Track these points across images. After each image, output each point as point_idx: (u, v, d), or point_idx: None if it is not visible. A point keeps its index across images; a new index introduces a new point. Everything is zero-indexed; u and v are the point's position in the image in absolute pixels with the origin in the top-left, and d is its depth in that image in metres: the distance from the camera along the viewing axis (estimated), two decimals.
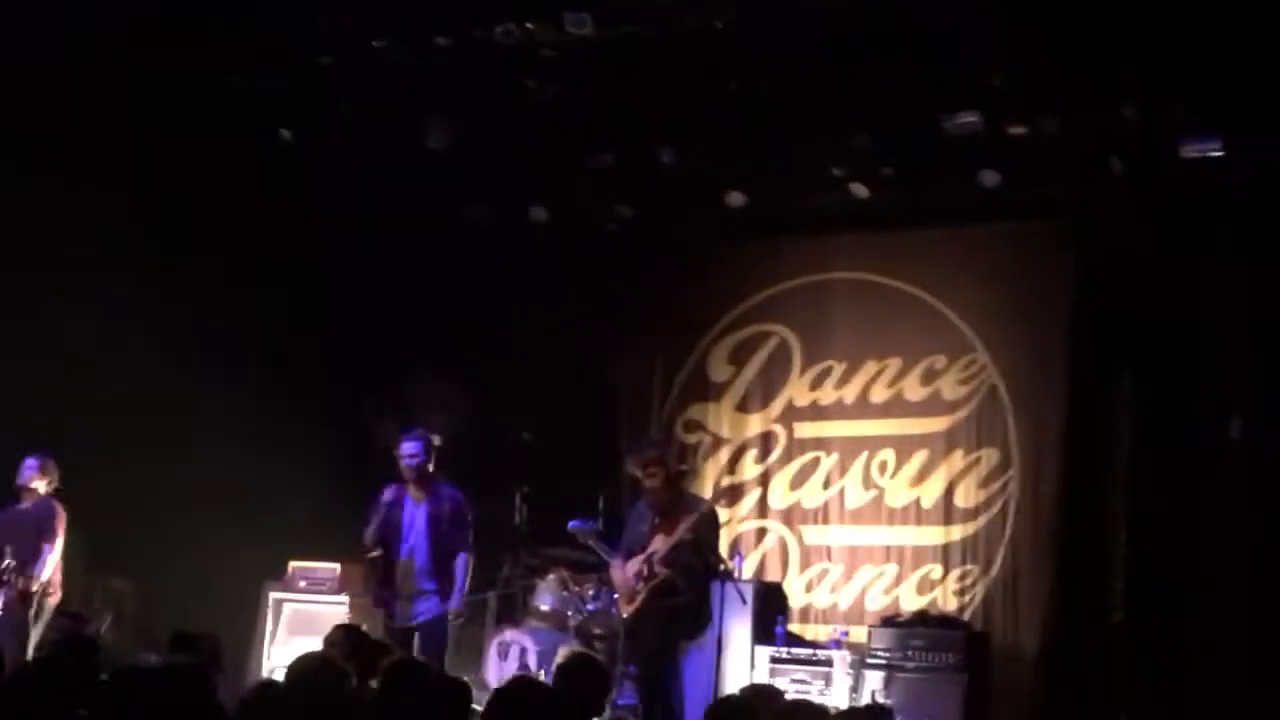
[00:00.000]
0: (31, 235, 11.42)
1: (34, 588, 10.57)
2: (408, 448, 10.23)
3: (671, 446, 12.69)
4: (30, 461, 10.88)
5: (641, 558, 9.80)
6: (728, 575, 10.32)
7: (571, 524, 11.36)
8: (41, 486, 10.83)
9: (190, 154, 11.86)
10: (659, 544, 9.73)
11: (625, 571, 9.93)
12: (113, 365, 11.49)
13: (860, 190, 12.20)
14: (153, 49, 11.19)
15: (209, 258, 12.19)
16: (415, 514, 10.29)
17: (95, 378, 11.52)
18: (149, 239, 11.78)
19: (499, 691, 5.62)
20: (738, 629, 11.07)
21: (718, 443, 13.18)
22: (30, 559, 10.62)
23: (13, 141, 11.07)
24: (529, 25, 11.17)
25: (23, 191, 11.23)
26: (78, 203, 11.50)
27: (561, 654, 10.66)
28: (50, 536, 10.72)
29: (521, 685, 6.12)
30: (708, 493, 12.55)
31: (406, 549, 10.26)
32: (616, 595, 10.15)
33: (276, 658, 11.38)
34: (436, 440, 10.33)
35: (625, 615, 9.90)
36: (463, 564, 10.24)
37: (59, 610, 10.92)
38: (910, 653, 11.02)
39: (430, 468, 10.31)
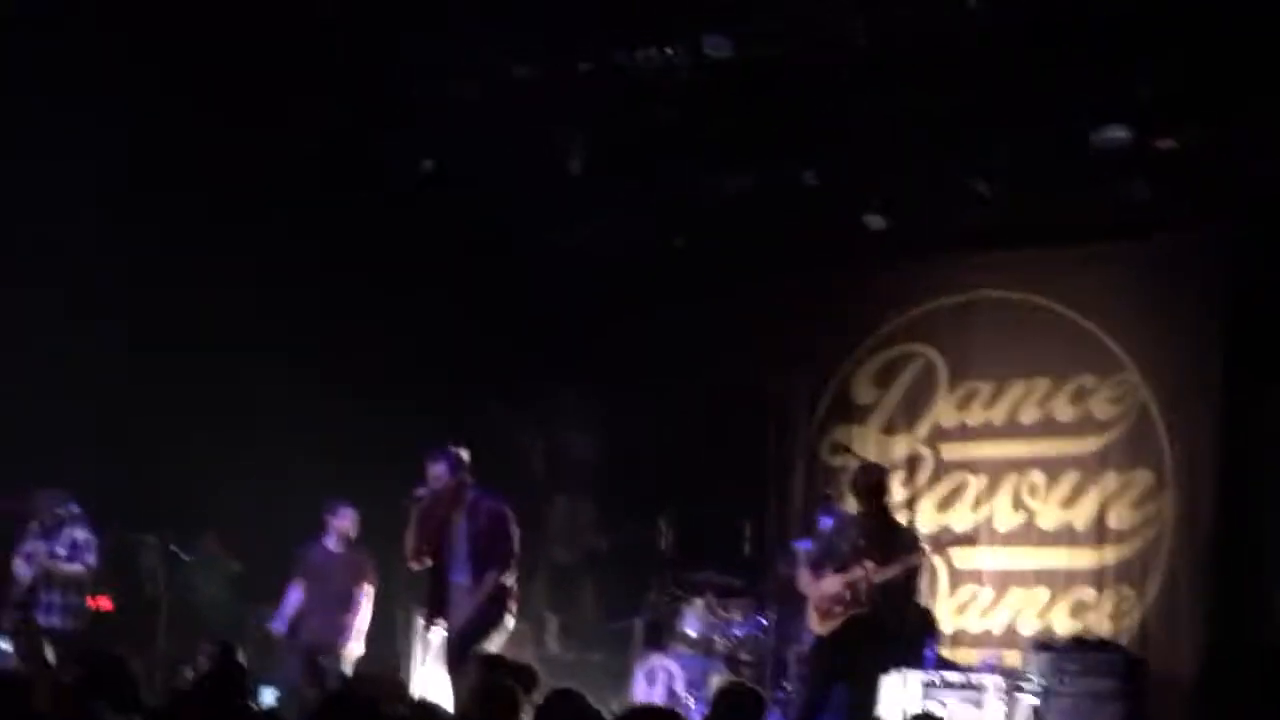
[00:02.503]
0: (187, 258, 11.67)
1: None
2: (434, 470, 9.89)
3: (818, 470, 12.60)
4: (345, 510, 11.42)
5: (844, 579, 9.64)
6: (930, 624, 10.21)
7: (796, 544, 11.27)
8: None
9: (337, 179, 12.03)
10: (864, 571, 9.59)
11: (820, 586, 9.77)
12: (271, 396, 11.72)
13: (1003, 206, 12.01)
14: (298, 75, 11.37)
15: (363, 287, 12.38)
16: (454, 532, 9.95)
17: (256, 409, 11.75)
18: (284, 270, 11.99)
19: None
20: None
21: None
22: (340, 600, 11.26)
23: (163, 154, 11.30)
24: (668, 50, 11.18)
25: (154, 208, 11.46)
26: (208, 217, 11.72)
27: (711, 680, 10.66)
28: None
29: (649, 713, 6.06)
30: None
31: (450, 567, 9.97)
32: (811, 607, 9.88)
33: (425, 684, 11.40)
34: (465, 454, 10.03)
35: (818, 630, 9.75)
36: (487, 582, 9.77)
37: (206, 639, 11.16)
38: (1066, 678, 10.80)
39: (465, 480, 10.03)
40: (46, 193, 11.15)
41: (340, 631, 11.16)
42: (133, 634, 11.09)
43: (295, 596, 11.29)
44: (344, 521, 11.37)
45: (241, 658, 8.79)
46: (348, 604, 11.21)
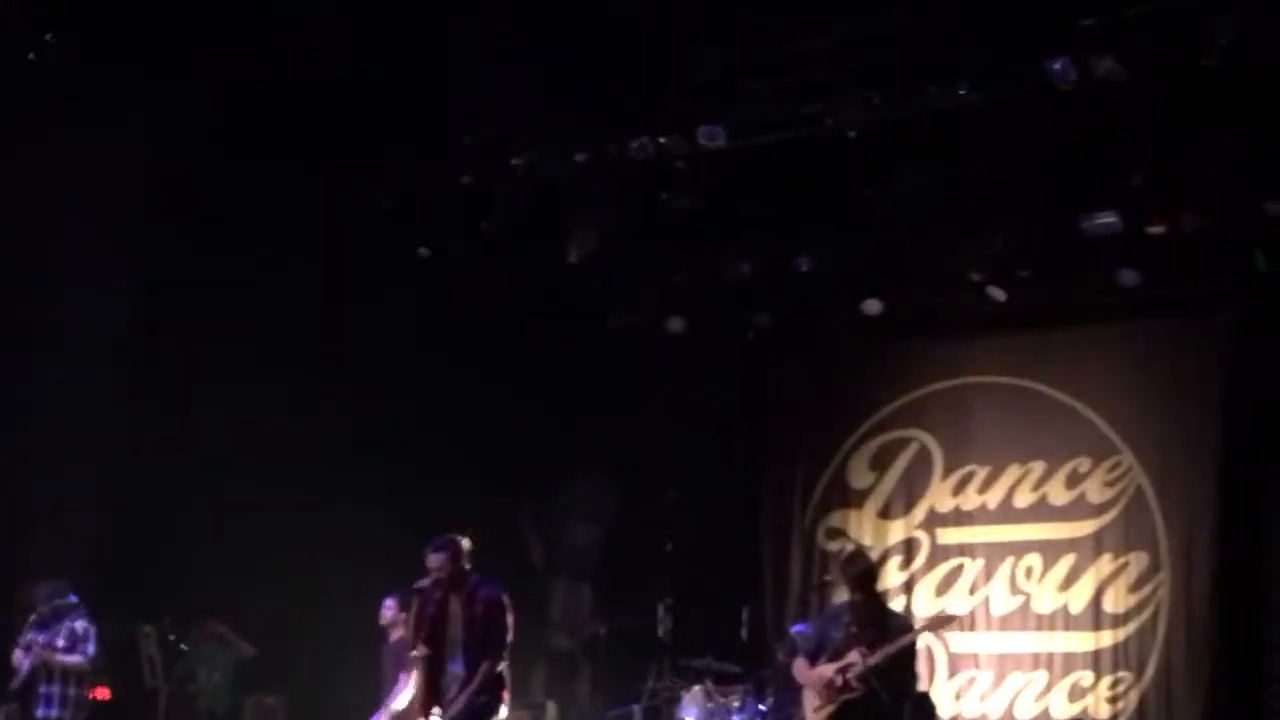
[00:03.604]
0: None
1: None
2: (434, 560, 9.70)
3: (815, 556, 12.63)
4: (389, 601, 11.30)
5: (836, 666, 9.64)
6: (929, 709, 10.31)
7: (793, 630, 11.30)
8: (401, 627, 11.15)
9: (339, 271, 12.14)
10: (857, 657, 9.60)
11: (814, 674, 9.76)
12: (264, 482, 11.75)
13: (997, 293, 12.14)
14: (293, 171, 11.52)
15: (358, 371, 12.46)
16: (451, 620, 9.77)
17: (248, 496, 11.77)
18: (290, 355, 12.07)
19: None
20: None
21: None
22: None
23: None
24: (662, 140, 11.33)
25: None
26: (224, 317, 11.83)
27: None
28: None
29: None
30: None
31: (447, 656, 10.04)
32: (807, 694, 9.83)
33: None
34: (466, 543, 10.06)
35: (813, 718, 9.72)
36: (483, 670, 9.60)
37: None
38: None
39: (464, 567, 10.00)
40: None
41: None
42: None
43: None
44: (386, 612, 11.39)
45: None
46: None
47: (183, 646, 12.25)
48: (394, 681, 11.21)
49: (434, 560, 9.81)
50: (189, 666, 12.42)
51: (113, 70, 10.89)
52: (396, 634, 11.39)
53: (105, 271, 11.29)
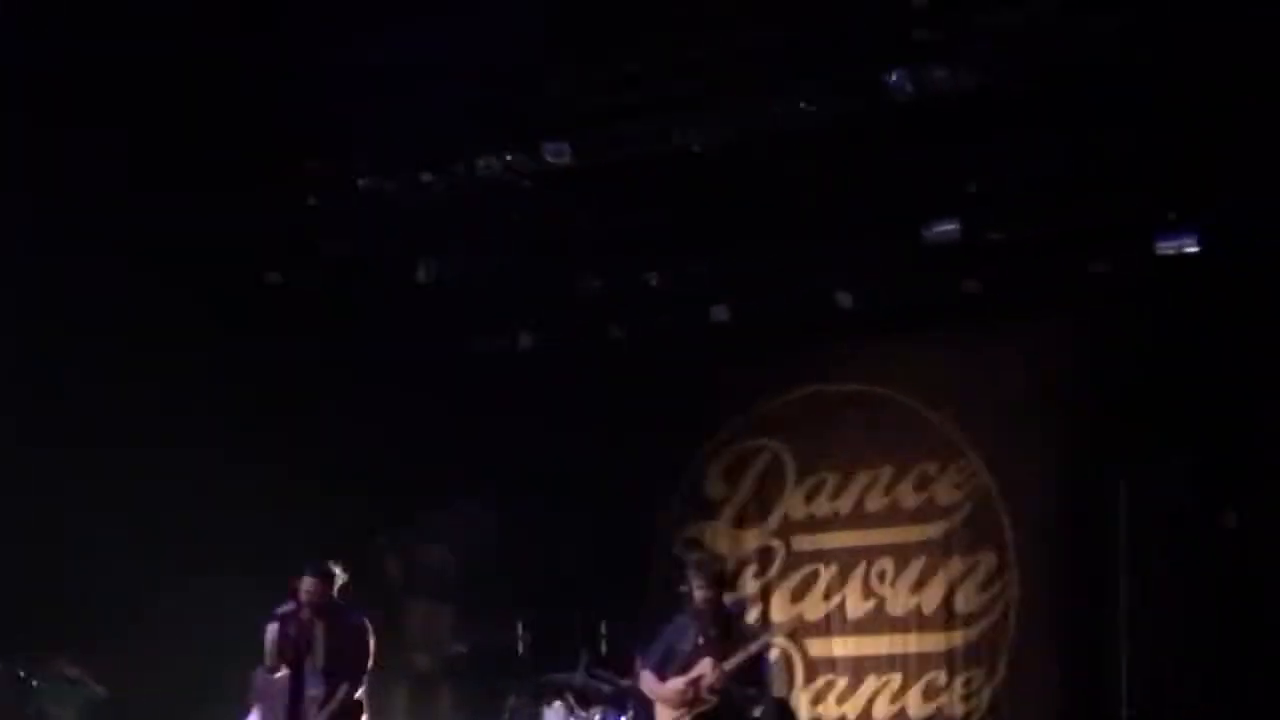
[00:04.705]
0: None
1: None
2: (309, 584, 9.92)
3: (672, 567, 12.71)
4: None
5: (685, 679, 9.65)
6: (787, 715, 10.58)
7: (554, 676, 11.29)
8: None
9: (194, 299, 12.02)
10: (706, 668, 9.61)
11: (663, 689, 9.77)
12: (116, 513, 11.63)
13: (845, 299, 12.29)
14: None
15: (215, 396, 12.31)
16: (314, 644, 9.97)
17: (102, 527, 11.64)
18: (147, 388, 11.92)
19: None
20: None
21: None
22: None
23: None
24: (508, 157, 11.35)
25: None
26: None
27: None
28: None
29: None
30: None
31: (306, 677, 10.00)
32: (659, 709, 9.85)
33: None
34: (340, 574, 10.14)
35: None
36: (342, 691, 9.84)
37: None
38: None
39: (333, 597, 10.04)
40: None
41: None
42: None
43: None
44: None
45: None
46: None
47: (34, 684, 11.99)
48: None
49: (308, 584, 9.90)
50: (41, 707, 12.16)
51: None
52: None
53: None
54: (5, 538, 11.49)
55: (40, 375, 11.77)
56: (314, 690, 9.93)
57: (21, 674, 11.85)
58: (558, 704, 11.95)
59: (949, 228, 11.32)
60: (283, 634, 9.90)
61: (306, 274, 12.58)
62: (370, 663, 9.91)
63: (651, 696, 9.98)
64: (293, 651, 9.94)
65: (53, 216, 11.41)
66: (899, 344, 12.73)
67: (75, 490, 11.73)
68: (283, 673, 10.01)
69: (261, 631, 10.88)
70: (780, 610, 12.79)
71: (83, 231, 11.52)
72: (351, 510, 12.68)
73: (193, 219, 11.71)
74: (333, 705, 9.84)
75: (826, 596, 12.73)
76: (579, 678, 12.00)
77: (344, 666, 9.88)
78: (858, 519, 12.73)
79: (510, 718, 12.38)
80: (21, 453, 11.64)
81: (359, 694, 9.85)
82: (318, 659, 9.93)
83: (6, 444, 11.58)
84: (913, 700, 12.29)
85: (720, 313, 12.72)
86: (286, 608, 9.92)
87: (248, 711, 10.77)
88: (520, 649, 12.65)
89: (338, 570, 10.04)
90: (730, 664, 9.56)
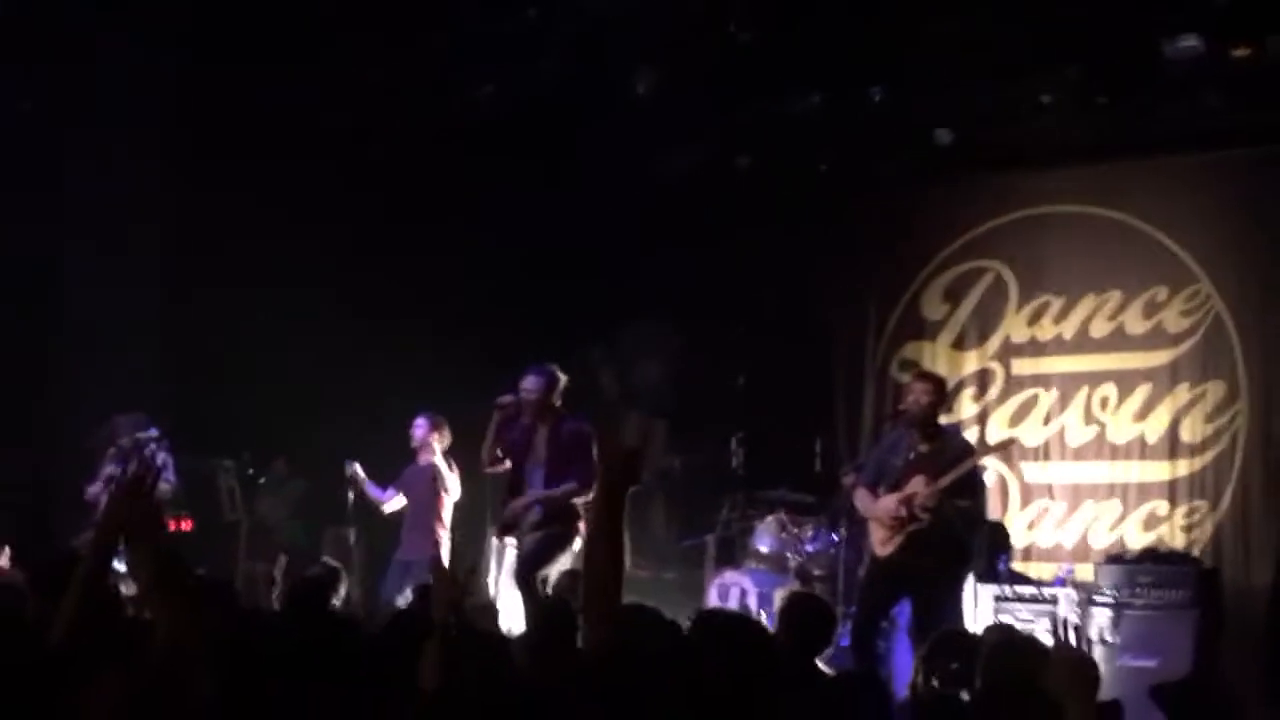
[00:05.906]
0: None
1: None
2: (530, 382, 9.96)
3: (888, 388, 12.64)
4: (420, 420, 11.46)
5: (898, 497, 9.48)
6: (1002, 538, 10.59)
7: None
8: (434, 442, 11.40)
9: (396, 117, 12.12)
10: (919, 485, 9.44)
11: (877, 506, 9.63)
12: (342, 331, 11.96)
13: (944, 136, 11.93)
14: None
15: (431, 224, 12.50)
16: (537, 443, 10.07)
17: (327, 344, 11.95)
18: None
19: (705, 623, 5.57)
20: None
21: None
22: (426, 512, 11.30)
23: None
24: None
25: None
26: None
27: (782, 594, 10.71)
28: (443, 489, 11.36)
29: (722, 618, 6.04)
30: None
31: (528, 477, 10.10)
32: (872, 526, 9.72)
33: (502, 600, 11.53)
34: (562, 377, 10.14)
35: (880, 551, 9.62)
36: (559, 493, 9.89)
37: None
38: (1139, 590, 10.71)
39: (555, 401, 10.07)
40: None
41: (424, 542, 11.24)
42: (213, 554, 11.27)
43: (389, 493, 11.57)
44: (416, 431, 11.46)
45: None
46: (428, 514, 11.33)
47: (260, 481, 12.45)
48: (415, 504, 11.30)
49: (530, 383, 9.95)
50: (264, 500, 12.63)
51: None
52: (424, 458, 11.43)
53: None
54: (235, 364, 11.87)
55: (261, 217, 12.02)
56: (537, 489, 10.07)
57: (250, 471, 12.30)
58: (771, 519, 11.99)
59: (1190, 43, 10.87)
60: (500, 431, 10.04)
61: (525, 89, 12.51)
62: (595, 471, 9.95)
63: (865, 514, 9.89)
64: (511, 450, 10.09)
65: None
66: (1131, 166, 12.36)
67: (291, 323, 12.01)
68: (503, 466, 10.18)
69: (414, 424, 11.21)
70: (998, 434, 12.59)
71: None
72: (555, 326, 12.76)
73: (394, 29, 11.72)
74: (552, 502, 9.91)
75: (1046, 421, 12.53)
76: (791, 494, 12.04)
77: (567, 469, 9.94)
78: (1081, 344, 12.45)
79: (723, 531, 12.47)
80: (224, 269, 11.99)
81: (581, 500, 9.87)
82: (539, 458, 10.04)
83: (239, 276, 11.91)
84: (1131, 529, 12.07)
85: (943, 135, 12.42)
86: (502, 399, 10.03)
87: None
88: (734, 465, 12.68)
89: (561, 375, 10.09)
90: (944, 481, 9.41)
